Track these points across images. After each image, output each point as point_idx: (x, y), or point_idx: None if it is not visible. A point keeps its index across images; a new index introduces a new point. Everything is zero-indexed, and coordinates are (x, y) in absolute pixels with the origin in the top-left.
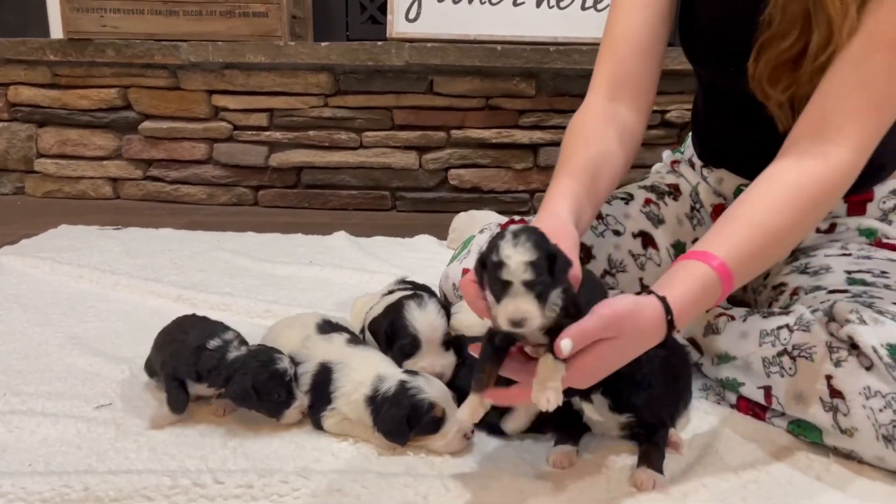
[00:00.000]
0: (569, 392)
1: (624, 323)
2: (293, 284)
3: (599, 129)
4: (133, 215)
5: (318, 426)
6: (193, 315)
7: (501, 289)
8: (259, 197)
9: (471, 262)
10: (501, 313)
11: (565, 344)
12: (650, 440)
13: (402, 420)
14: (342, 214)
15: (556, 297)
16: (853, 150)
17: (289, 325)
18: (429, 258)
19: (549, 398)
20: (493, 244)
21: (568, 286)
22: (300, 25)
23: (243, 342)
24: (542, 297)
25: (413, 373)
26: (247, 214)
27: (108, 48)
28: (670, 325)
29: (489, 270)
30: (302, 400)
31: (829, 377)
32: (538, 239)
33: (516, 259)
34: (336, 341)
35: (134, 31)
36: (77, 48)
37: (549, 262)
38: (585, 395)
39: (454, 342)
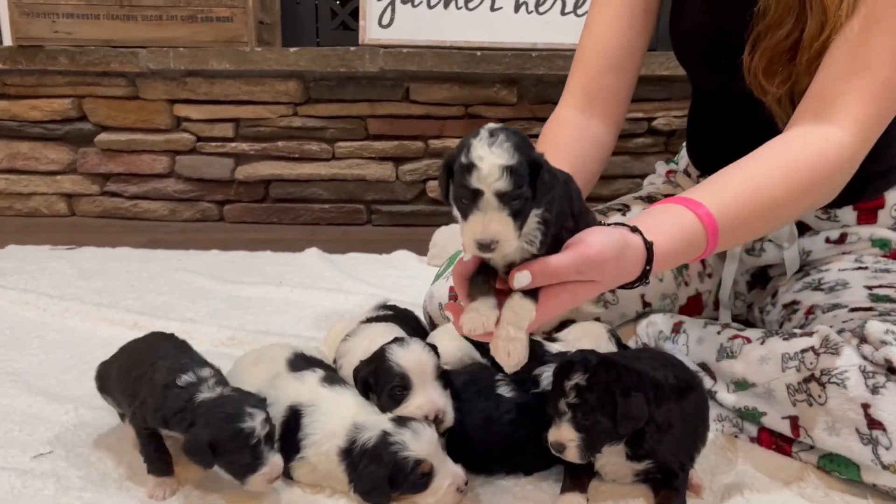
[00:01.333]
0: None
1: (606, 268)
2: (262, 307)
3: (572, 140)
4: (89, 233)
5: (288, 475)
6: (171, 337)
7: (470, 199)
8: (225, 212)
9: None
10: (468, 232)
11: (521, 277)
12: (669, 485)
13: (383, 480)
14: (314, 230)
15: (534, 222)
16: (854, 133)
17: (255, 360)
18: (408, 276)
19: (510, 352)
20: (464, 142)
21: (551, 213)
22: (268, 32)
23: (221, 381)
24: (518, 216)
25: (399, 421)
26: (211, 231)
27: (60, 55)
28: (645, 272)
29: (456, 176)
30: (272, 466)
31: (865, 405)
32: (520, 141)
33: (490, 162)
34: (308, 380)
35: (89, 38)
36: (27, 55)
37: (531, 172)
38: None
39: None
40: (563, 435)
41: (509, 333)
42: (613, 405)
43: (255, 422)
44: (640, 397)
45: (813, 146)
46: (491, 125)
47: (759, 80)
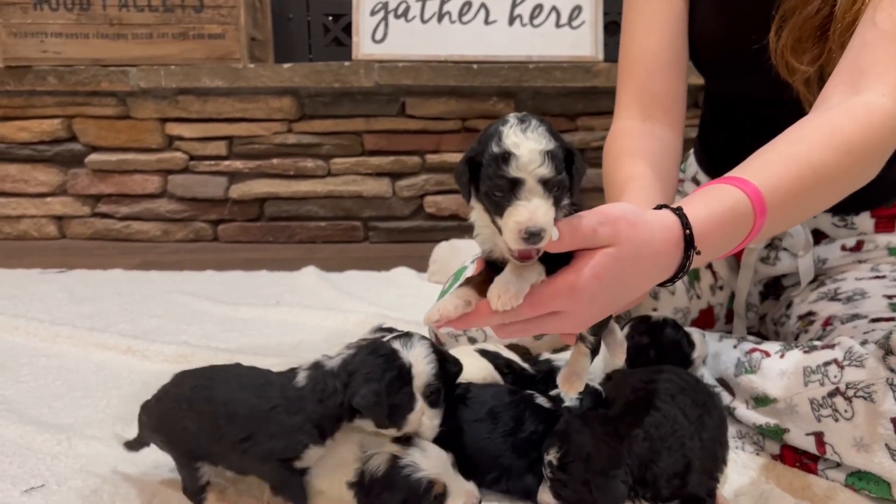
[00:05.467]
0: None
1: (619, 226)
2: (259, 329)
3: (645, 149)
4: (80, 256)
5: None
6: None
7: (508, 190)
8: (219, 232)
9: None
10: (511, 224)
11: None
12: None
13: None
14: (310, 248)
15: (561, 215)
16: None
17: None
18: (409, 293)
19: (500, 293)
20: (492, 133)
21: (579, 205)
22: (259, 48)
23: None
24: (557, 204)
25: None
26: (206, 251)
27: (49, 75)
28: (688, 242)
29: (486, 169)
30: (422, 404)
31: (895, 420)
32: (550, 126)
33: (529, 147)
34: None
35: (78, 57)
36: (15, 76)
37: (566, 158)
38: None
39: (447, 393)
40: (545, 499)
41: (508, 278)
42: (589, 483)
43: (407, 357)
44: (618, 479)
45: (853, 114)
46: (514, 113)
47: (786, 59)
